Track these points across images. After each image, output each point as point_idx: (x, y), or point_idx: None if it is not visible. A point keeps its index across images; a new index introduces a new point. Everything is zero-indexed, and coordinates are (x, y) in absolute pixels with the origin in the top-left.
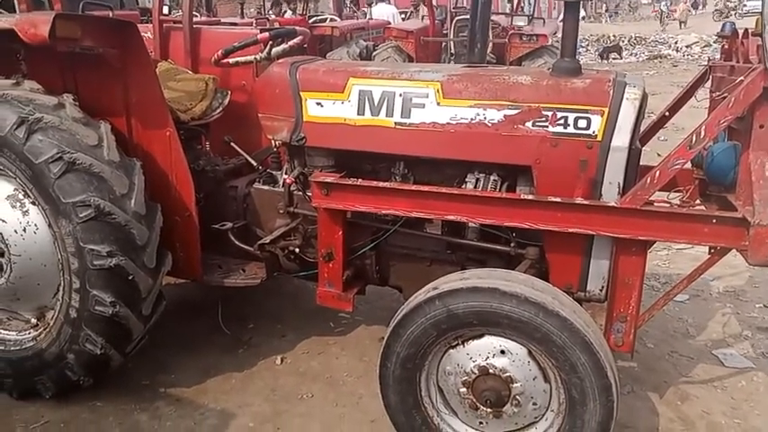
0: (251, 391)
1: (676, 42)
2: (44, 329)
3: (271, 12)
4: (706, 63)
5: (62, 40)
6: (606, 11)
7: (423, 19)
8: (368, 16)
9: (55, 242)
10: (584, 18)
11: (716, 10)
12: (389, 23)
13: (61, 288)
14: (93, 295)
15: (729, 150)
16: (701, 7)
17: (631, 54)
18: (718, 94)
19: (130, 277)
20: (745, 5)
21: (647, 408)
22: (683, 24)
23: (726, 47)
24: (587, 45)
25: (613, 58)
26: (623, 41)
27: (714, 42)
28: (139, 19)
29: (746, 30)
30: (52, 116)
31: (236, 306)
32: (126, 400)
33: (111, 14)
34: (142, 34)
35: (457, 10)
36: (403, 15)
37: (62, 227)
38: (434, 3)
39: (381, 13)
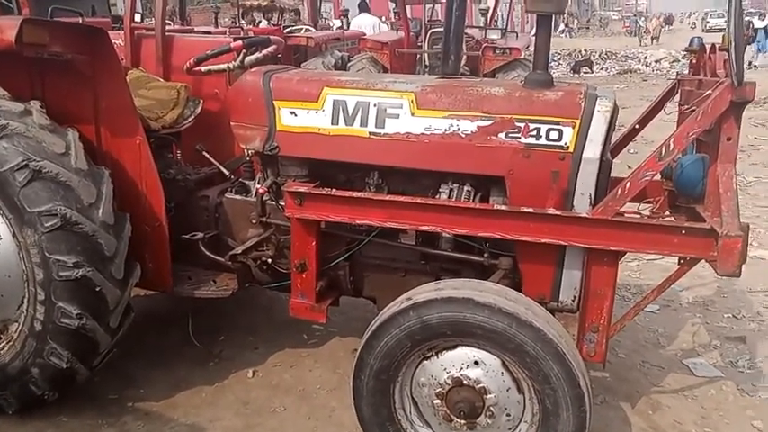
0: (222, 404)
1: (646, 57)
2: (7, 342)
3: (243, 21)
4: (675, 77)
5: (29, 45)
6: (566, 25)
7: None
8: (335, 26)
9: (19, 252)
10: (566, 31)
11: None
12: (365, 35)
13: (26, 300)
14: (58, 307)
15: (698, 162)
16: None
17: (602, 68)
18: (686, 107)
19: (98, 289)
20: (708, 22)
21: (620, 418)
22: (655, 40)
23: (694, 61)
24: (559, 59)
25: (585, 72)
26: (594, 56)
27: (682, 57)
28: (111, 26)
29: (714, 45)
30: (18, 123)
31: (207, 318)
32: (92, 415)
33: (81, 21)
34: (113, 41)
35: (431, 22)
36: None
37: (27, 237)
38: (409, 15)
39: (364, 23)
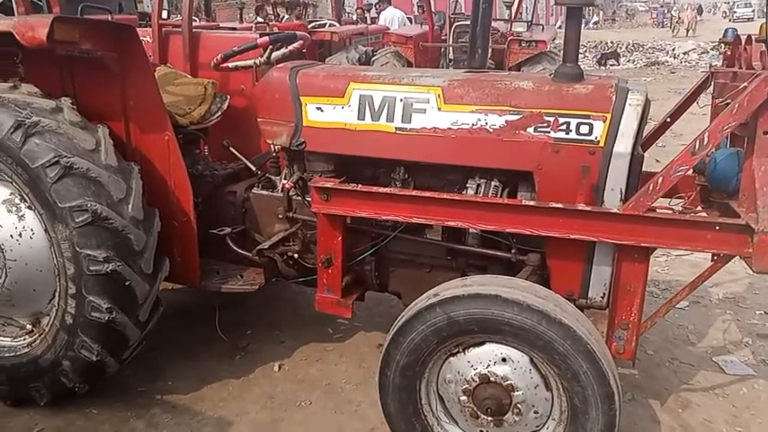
0: (248, 398)
1: (674, 49)
2: (39, 335)
3: (258, 17)
4: (706, 69)
5: (60, 43)
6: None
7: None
8: (369, 21)
9: (51, 247)
10: (596, 23)
11: None
12: (388, 29)
13: (57, 294)
14: (89, 301)
15: (732, 157)
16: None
17: (629, 61)
18: (720, 100)
19: (127, 283)
20: (735, 12)
21: (648, 416)
22: (690, 31)
23: (728, 53)
24: (585, 51)
25: (611, 65)
26: (621, 48)
27: (711, 49)
28: (138, 23)
29: (750, 36)
30: (49, 120)
31: (233, 312)
32: (122, 408)
33: (110, 18)
34: (141, 38)
35: (455, 16)
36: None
37: (58, 232)
38: (433, 8)
39: (393, 16)
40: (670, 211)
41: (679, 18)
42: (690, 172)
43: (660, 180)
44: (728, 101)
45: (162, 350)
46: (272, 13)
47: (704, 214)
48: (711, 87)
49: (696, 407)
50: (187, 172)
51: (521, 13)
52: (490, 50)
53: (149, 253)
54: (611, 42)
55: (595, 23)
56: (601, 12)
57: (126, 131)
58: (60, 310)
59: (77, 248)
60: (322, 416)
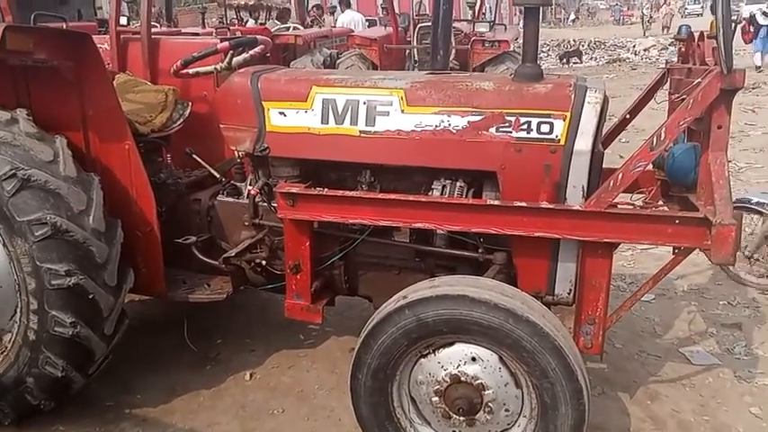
0: (220, 408)
1: (634, 46)
2: (1, 353)
3: (250, 18)
4: (664, 66)
5: (13, 52)
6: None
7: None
8: (329, 24)
9: (11, 262)
10: (574, 21)
11: None
12: (353, 31)
13: (18, 309)
14: (52, 316)
15: (689, 151)
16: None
17: (591, 58)
18: (676, 96)
19: (91, 296)
20: (686, 8)
21: (618, 408)
22: (666, 29)
23: (683, 49)
24: (548, 50)
25: (574, 63)
26: (583, 46)
27: (670, 45)
28: (97, 30)
29: (702, 32)
30: (5, 132)
31: (202, 322)
32: (89, 423)
33: (64, 26)
34: (99, 46)
35: (420, 17)
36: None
37: (18, 246)
38: (397, 10)
39: (352, 19)
40: (631, 207)
41: (651, 17)
42: (649, 167)
43: (620, 176)
44: (684, 96)
45: (130, 363)
46: (236, 17)
47: (665, 208)
48: (668, 83)
49: (664, 398)
50: (150, 181)
51: (483, 14)
52: (454, 51)
53: (113, 265)
54: (574, 41)
55: (572, 21)
56: (563, 11)
57: (85, 141)
58: (23, 326)
59: (38, 263)
60: (295, 423)
